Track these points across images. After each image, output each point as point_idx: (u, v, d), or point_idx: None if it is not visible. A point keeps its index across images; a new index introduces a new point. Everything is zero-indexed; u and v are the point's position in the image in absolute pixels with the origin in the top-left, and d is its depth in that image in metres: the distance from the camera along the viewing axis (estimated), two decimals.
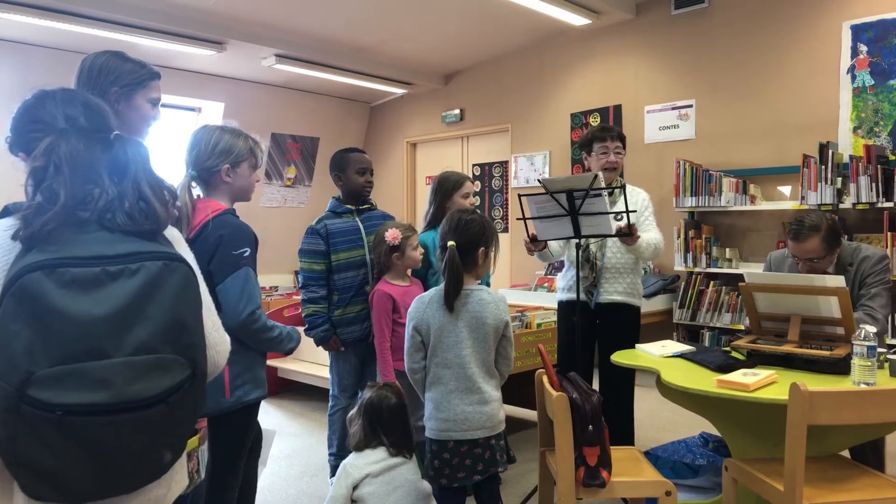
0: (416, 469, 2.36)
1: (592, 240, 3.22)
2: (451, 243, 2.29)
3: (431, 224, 3.20)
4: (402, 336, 2.79)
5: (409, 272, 3.06)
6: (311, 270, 3.01)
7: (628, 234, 2.91)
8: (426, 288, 3.03)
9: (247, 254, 2.14)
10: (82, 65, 2.04)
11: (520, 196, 3.00)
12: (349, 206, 3.11)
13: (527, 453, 3.66)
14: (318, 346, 3.05)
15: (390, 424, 2.36)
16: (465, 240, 2.31)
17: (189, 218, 2.16)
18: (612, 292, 3.26)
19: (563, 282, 3.44)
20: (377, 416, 2.37)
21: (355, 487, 2.29)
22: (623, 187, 3.07)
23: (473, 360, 2.27)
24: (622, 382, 3.26)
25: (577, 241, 2.93)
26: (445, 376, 2.27)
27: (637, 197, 3.32)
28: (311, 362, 4.90)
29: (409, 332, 2.33)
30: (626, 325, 3.31)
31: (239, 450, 2.24)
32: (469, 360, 2.26)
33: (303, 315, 3.05)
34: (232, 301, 2.10)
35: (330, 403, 3.13)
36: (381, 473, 2.29)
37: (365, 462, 2.31)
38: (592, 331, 3.30)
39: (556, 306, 3.56)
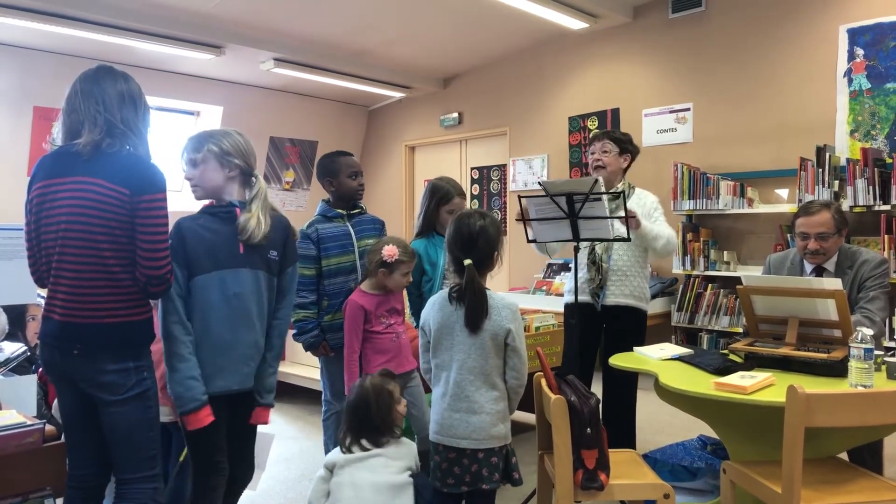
0: (395, 461, 2.29)
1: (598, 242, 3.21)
2: (468, 262, 2.18)
3: (422, 233, 3.16)
4: (385, 339, 2.77)
5: None
6: (301, 275, 2.95)
7: (628, 239, 2.92)
8: (421, 295, 3.05)
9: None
10: None
11: (519, 197, 3.00)
12: (340, 211, 3.07)
13: (525, 456, 3.65)
14: (306, 351, 3.04)
15: (364, 421, 2.34)
16: (482, 253, 2.22)
17: None
18: (619, 295, 3.23)
19: (569, 284, 3.38)
20: (351, 417, 2.37)
21: (332, 477, 2.29)
22: (623, 193, 3.09)
23: (465, 365, 2.21)
24: (625, 386, 3.23)
25: (576, 244, 2.93)
26: (441, 378, 2.26)
27: (645, 199, 3.31)
28: (309, 365, 4.89)
29: (420, 332, 2.38)
30: (633, 329, 3.27)
31: (207, 447, 2.23)
32: (460, 365, 2.21)
33: (292, 320, 3.03)
34: None
35: (323, 408, 3.11)
36: (354, 463, 2.28)
37: (341, 452, 2.32)
38: (597, 334, 3.29)
39: (553, 309, 3.56)
